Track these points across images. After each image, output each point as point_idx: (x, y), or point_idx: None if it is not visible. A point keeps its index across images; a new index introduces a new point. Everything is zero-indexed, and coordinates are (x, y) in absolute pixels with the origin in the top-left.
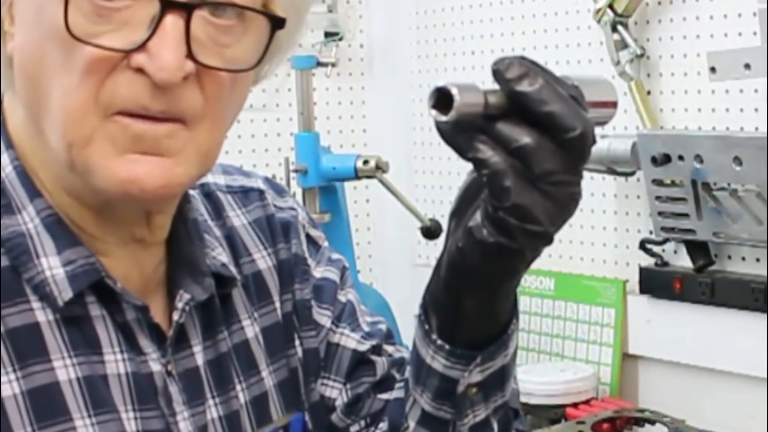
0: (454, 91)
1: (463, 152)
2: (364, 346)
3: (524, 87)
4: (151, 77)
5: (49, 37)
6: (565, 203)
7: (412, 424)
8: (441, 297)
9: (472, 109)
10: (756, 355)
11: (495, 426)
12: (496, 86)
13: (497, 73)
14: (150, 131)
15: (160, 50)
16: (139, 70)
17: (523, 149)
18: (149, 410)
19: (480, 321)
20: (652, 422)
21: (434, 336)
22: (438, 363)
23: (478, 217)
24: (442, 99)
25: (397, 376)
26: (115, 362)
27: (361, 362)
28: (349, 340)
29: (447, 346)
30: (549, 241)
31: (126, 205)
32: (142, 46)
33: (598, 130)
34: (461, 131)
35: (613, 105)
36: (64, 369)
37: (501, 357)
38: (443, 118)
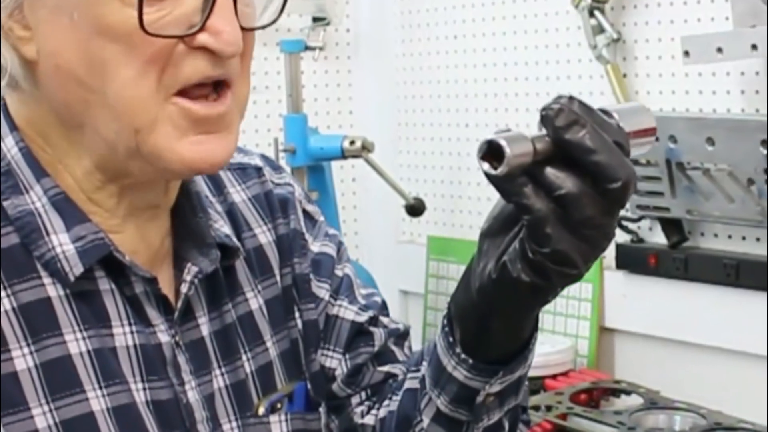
0: (504, 143)
1: (506, 195)
2: (362, 318)
3: (572, 135)
4: (218, 53)
5: (97, 34)
6: (600, 244)
7: (426, 420)
8: (469, 315)
9: (522, 160)
10: (728, 329)
11: (506, 425)
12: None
13: (546, 119)
14: (212, 114)
15: (222, 27)
16: (200, 48)
17: (567, 197)
18: (158, 380)
19: (505, 340)
20: (628, 393)
21: (458, 349)
22: (459, 373)
23: (513, 254)
24: (491, 151)
25: (394, 348)
26: (124, 335)
27: (359, 333)
28: (348, 312)
29: (470, 361)
30: (580, 278)
31: (178, 177)
32: (202, 27)
33: None
34: (509, 179)
35: (653, 132)
36: (75, 342)
37: (520, 369)
38: (494, 172)
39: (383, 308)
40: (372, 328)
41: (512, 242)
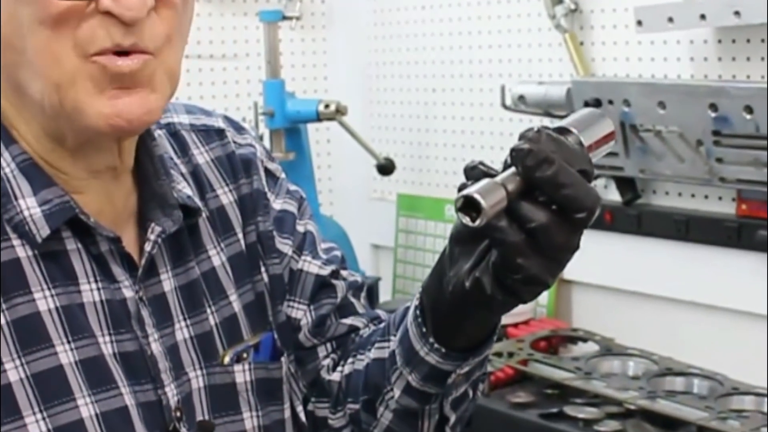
0: (479, 198)
1: (481, 230)
2: (325, 271)
3: (542, 173)
4: (119, 18)
5: None
6: (567, 259)
7: (397, 392)
8: (441, 312)
9: (498, 208)
10: (678, 280)
11: (470, 393)
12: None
13: (516, 159)
14: (125, 67)
15: None
16: (107, 13)
17: (538, 228)
18: (124, 333)
19: (475, 333)
20: (585, 340)
21: (431, 339)
22: (431, 358)
23: (485, 272)
24: (468, 204)
25: (353, 300)
26: (90, 291)
27: (323, 286)
28: (312, 266)
29: (443, 350)
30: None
31: (108, 137)
32: None
33: (535, 76)
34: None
35: (612, 136)
36: (44, 300)
37: (488, 350)
38: (474, 224)
39: (343, 262)
40: (334, 281)
41: (483, 256)
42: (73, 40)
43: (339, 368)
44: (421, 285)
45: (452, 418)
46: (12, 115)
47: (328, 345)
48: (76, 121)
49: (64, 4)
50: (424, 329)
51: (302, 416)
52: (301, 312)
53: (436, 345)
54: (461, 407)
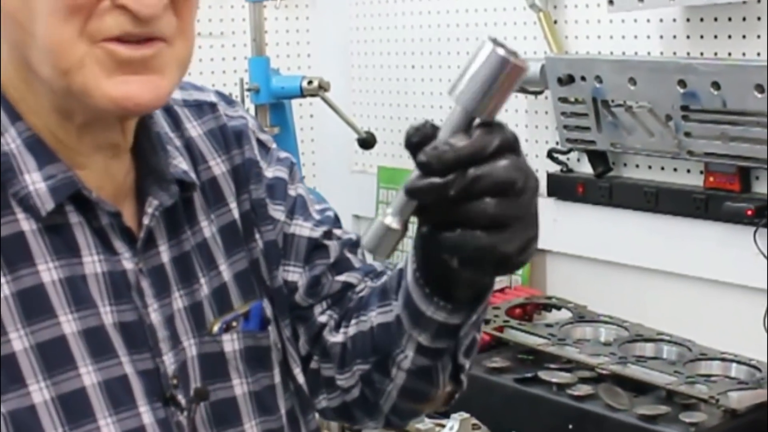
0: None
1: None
2: (317, 233)
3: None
4: (136, 14)
5: None
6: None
7: (410, 353)
8: (438, 273)
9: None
10: (648, 250)
11: (477, 336)
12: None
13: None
14: (136, 55)
15: None
16: (122, 7)
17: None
18: (124, 303)
19: (477, 284)
20: (558, 308)
21: (436, 299)
22: (439, 315)
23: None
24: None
25: (349, 255)
26: (92, 263)
27: (315, 247)
28: (304, 230)
29: (450, 306)
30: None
31: (111, 115)
32: None
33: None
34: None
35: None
36: (48, 272)
37: (490, 293)
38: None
39: (336, 221)
40: (327, 242)
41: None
42: (83, 28)
43: (342, 329)
44: (412, 246)
45: (467, 365)
46: (21, 89)
47: (324, 302)
48: (85, 102)
49: None
50: (426, 290)
51: (300, 379)
52: (296, 275)
53: (441, 303)
54: (472, 352)
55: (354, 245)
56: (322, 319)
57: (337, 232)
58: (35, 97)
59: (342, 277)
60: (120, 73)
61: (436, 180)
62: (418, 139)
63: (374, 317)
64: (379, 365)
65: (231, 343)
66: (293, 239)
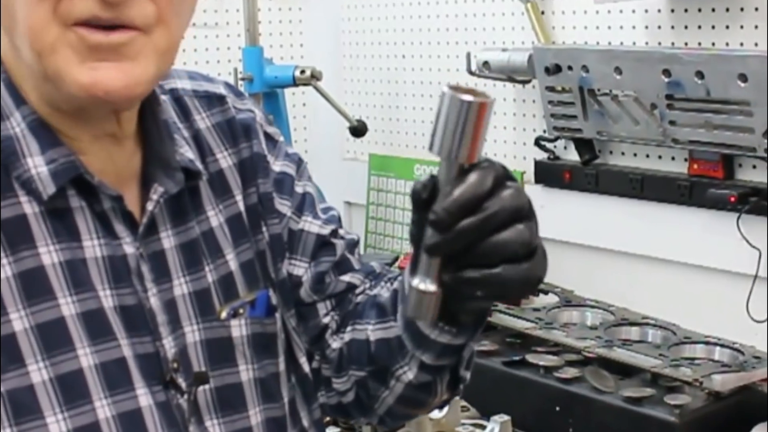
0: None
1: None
2: (326, 231)
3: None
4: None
5: None
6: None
7: (412, 369)
8: (444, 306)
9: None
10: (633, 235)
11: (475, 347)
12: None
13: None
14: (105, 41)
15: None
16: None
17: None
18: (124, 287)
19: (482, 310)
20: (546, 292)
21: (440, 323)
22: (444, 338)
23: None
24: None
25: (350, 256)
26: (92, 247)
27: (323, 245)
28: (313, 226)
29: (454, 330)
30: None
31: (96, 106)
32: None
33: (499, 43)
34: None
35: (480, 107)
36: (48, 254)
37: (490, 311)
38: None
39: (339, 221)
40: (334, 240)
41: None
42: (54, 10)
43: (340, 334)
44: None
45: (467, 377)
46: (20, 76)
47: (328, 302)
48: (58, 88)
49: None
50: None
51: (306, 368)
52: (302, 269)
53: (446, 327)
54: (472, 364)
55: (354, 245)
56: (326, 320)
57: (341, 231)
58: (28, 85)
59: (346, 278)
60: (91, 60)
61: (451, 232)
62: (427, 196)
63: (372, 331)
64: (376, 375)
65: (239, 329)
66: (302, 235)
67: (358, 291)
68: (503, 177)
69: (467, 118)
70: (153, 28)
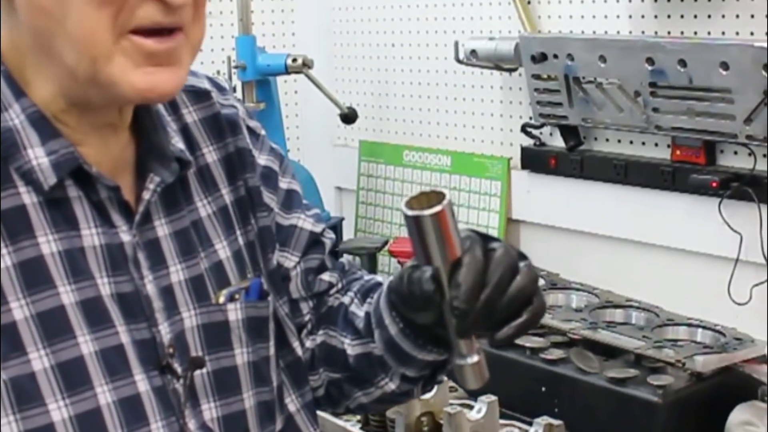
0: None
1: None
2: (318, 228)
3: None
4: (168, 3)
5: None
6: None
7: (394, 381)
8: (425, 330)
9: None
10: (617, 220)
11: None
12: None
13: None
14: (162, 48)
15: None
16: None
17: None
18: (121, 275)
19: None
20: None
21: (429, 346)
22: (430, 356)
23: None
24: None
25: (329, 256)
26: (91, 236)
27: (315, 242)
28: (306, 223)
29: (441, 349)
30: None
31: (117, 102)
32: None
33: (486, 32)
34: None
35: (443, 210)
36: (47, 244)
37: None
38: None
39: (324, 220)
40: (323, 238)
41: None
42: (114, 20)
43: (312, 336)
44: (384, 305)
45: (444, 378)
46: (30, 71)
47: (310, 302)
48: (109, 93)
49: None
50: (419, 341)
51: (299, 351)
52: (292, 262)
53: (435, 349)
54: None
55: (334, 245)
56: (305, 319)
57: (327, 231)
58: (46, 81)
59: (326, 277)
60: (146, 65)
61: (475, 313)
62: (440, 295)
63: (350, 345)
64: (353, 380)
65: (235, 312)
66: (295, 230)
67: (332, 291)
68: (486, 242)
69: (428, 229)
70: (191, 27)
